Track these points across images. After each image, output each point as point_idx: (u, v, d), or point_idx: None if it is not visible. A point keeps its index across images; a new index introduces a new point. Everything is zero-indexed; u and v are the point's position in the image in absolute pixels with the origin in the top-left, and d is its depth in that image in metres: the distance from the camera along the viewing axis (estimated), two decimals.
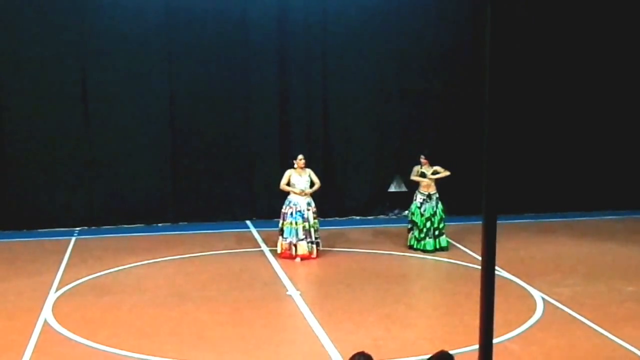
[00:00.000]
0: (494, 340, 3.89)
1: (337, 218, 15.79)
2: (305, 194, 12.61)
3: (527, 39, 16.11)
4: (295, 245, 12.53)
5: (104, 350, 8.47)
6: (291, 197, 12.60)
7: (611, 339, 8.79)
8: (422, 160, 13.19)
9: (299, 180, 12.64)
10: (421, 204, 13.07)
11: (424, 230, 13.04)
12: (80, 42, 14.73)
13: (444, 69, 15.99)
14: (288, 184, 12.67)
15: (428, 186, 13.08)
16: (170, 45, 15.11)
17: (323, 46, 15.75)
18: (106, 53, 14.82)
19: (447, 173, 13.14)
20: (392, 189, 16.32)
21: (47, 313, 9.81)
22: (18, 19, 14.45)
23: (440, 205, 13.11)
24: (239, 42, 15.39)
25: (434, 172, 13.14)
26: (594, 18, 16.29)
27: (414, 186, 13.49)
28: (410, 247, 13.21)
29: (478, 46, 15.00)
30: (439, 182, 13.15)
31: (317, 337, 8.99)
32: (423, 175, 13.14)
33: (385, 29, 15.79)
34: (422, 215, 13.04)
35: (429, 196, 13.07)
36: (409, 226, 13.32)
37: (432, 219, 13.04)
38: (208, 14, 15.16)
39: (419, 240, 13.09)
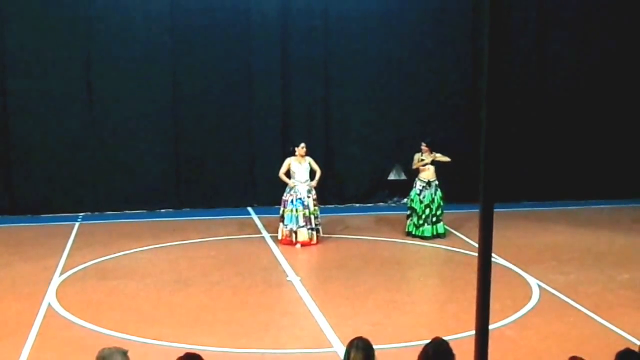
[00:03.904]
0: (491, 326, 3.92)
1: (337, 205, 15.87)
2: (311, 186, 12.73)
3: (525, 30, 16.18)
4: (296, 232, 12.64)
5: (107, 334, 8.57)
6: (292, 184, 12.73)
7: (605, 326, 8.92)
8: (423, 147, 13.27)
9: (299, 168, 12.74)
10: (420, 190, 13.17)
11: (423, 216, 13.16)
12: (85, 31, 14.79)
13: (445, 59, 16.03)
14: (288, 172, 12.78)
15: (428, 173, 13.19)
16: (174, 35, 15.15)
17: (325, 34, 15.78)
18: (110, 41, 14.87)
19: (447, 159, 13.24)
20: (392, 176, 16.42)
21: (51, 297, 9.92)
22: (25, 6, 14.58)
23: (439, 193, 13.21)
24: (241, 32, 15.43)
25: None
26: (593, 8, 16.38)
27: (414, 174, 13.58)
28: (409, 234, 13.33)
29: (478, 37, 15.08)
30: (438, 169, 13.24)
31: (317, 322, 9.12)
32: (423, 165, 13.21)
33: (387, 19, 15.82)
34: (421, 202, 13.14)
35: (429, 183, 13.17)
36: (408, 212, 13.44)
37: (431, 206, 13.16)
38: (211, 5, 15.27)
39: (417, 227, 13.20)
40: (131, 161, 15.18)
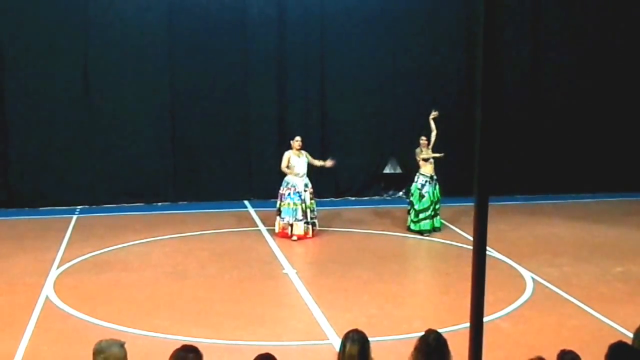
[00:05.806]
0: (485, 319, 3.96)
1: (332, 199, 15.92)
2: (326, 165, 12.92)
3: (520, 23, 16.23)
4: (292, 225, 12.71)
5: (104, 326, 8.62)
6: (289, 178, 12.77)
7: (599, 318, 9.00)
8: (422, 141, 13.27)
9: (298, 161, 12.80)
10: (422, 185, 13.13)
11: (428, 211, 13.10)
12: (82, 25, 14.82)
13: (440, 53, 16.06)
14: (288, 166, 12.85)
15: (429, 168, 13.19)
16: (171, 28, 15.19)
17: (322, 28, 15.81)
18: (107, 31, 14.92)
19: (441, 155, 13.17)
20: (387, 170, 16.48)
21: (48, 289, 9.97)
22: None
23: (437, 187, 13.24)
24: (238, 27, 15.46)
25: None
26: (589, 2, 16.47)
27: (411, 167, 13.58)
28: (408, 228, 13.30)
29: (472, 30, 15.12)
30: (435, 163, 13.26)
31: (313, 314, 9.17)
32: (424, 159, 13.21)
33: (383, 13, 15.86)
34: (421, 196, 13.11)
35: (431, 178, 13.17)
36: (409, 207, 13.43)
37: (432, 200, 13.16)
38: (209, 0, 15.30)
39: (415, 222, 13.20)
40: (128, 154, 15.21)
